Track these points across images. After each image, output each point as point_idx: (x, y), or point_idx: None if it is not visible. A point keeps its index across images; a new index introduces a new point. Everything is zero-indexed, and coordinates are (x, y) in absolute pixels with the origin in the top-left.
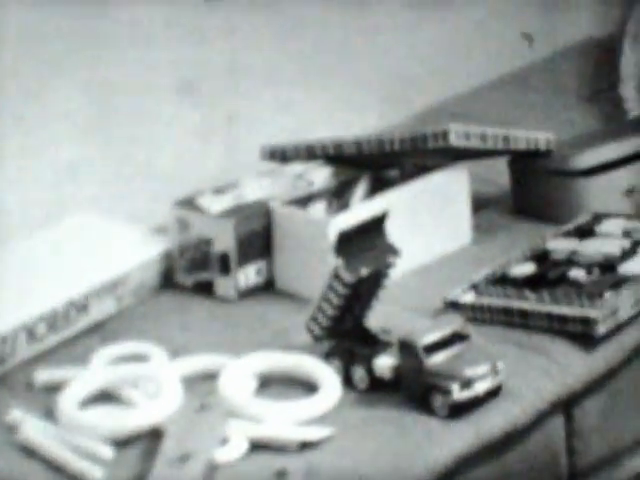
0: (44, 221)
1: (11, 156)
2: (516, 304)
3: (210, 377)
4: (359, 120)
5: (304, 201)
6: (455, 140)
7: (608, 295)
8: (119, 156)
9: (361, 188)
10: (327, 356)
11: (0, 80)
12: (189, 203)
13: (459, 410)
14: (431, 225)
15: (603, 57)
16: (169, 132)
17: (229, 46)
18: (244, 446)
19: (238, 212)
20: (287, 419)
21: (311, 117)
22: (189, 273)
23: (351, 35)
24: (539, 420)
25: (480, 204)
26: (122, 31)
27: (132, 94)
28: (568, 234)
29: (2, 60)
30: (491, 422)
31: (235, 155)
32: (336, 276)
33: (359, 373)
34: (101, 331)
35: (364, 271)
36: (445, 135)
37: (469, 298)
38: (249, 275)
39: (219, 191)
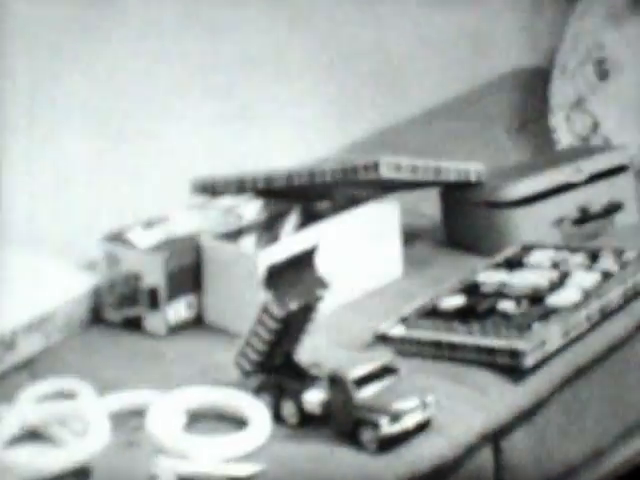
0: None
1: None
2: (445, 337)
3: (139, 413)
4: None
5: (234, 235)
6: (385, 172)
7: (536, 327)
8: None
9: (291, 221)
10: (257, 391)
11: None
12: (118, 237)
13: (388, 444)
14: (362, 258)
15: (533, 88)
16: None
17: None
18: None
19: (167, 247)
20: (216, 455)
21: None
22: (118, 308)
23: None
24: (468, 453)
25: (411, 236)
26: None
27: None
28: (497, 266)
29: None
30: (420, 456)
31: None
32: (265, 310)
33: (289, 408)
34: (29, 368)
35: (294, 305)
36: (375, 167)
37: (399, 331)
38: (178, 310)
39: (148, 225)
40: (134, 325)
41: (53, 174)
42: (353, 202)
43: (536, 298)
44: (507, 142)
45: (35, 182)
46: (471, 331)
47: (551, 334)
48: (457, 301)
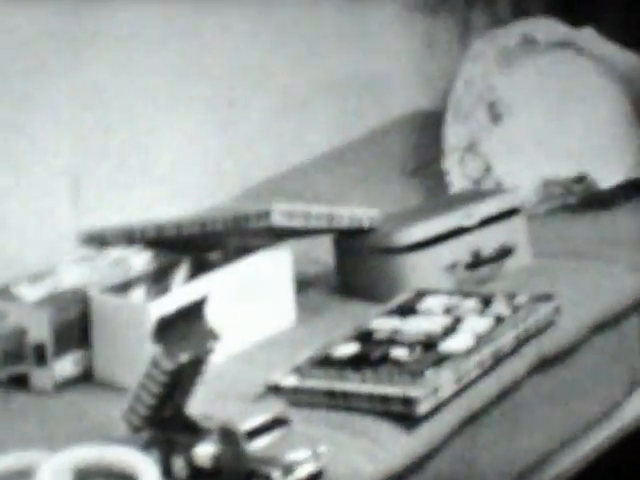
0: None
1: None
2: (338, 386)
3: (25, 475)
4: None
5: (123, 287)
6: (278, 219)
7: (429, 373)
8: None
9: (182, 272)
10: (146, 447)
11: None
12: (4, 292)
13: None
14: (254, 307)
15: (427, 130)
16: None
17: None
18: None
19: (54, 300)
20: None
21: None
22: (3, 365)
23: None
24: None
25: (304, 284)
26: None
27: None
28: (390, 313)
29: None
30: None
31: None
32: (155, 363)
33: (179, 463)
34: None
35: (183, 357)
36: (267, 215)
37: (291, 381)
38: (66, 366)
39: (35, 279)
40: (20, 382)
41: None
42: (245, 251)
43: (429, 344)
44: (401, 186)
45: None
46: (364, 379)
47: (444, 380)
48: (350, 349)
